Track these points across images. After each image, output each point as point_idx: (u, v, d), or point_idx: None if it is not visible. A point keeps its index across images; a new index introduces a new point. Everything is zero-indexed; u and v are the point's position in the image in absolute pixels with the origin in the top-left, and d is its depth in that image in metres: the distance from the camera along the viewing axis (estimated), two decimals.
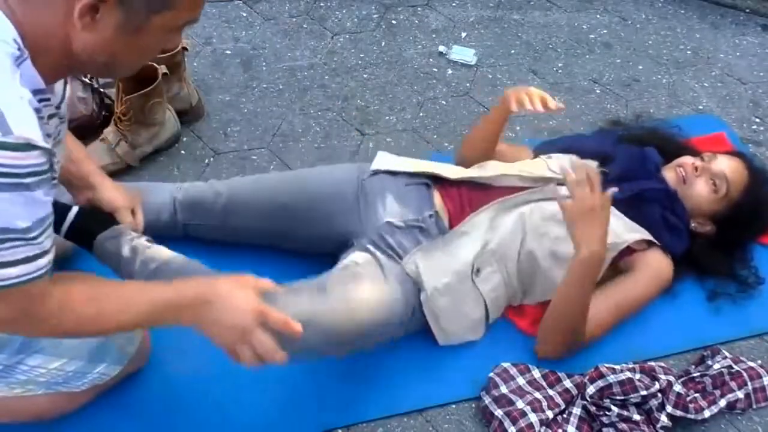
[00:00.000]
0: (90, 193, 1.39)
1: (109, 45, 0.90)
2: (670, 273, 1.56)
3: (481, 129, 1.70)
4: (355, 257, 1.45)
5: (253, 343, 1.09)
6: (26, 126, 0.83)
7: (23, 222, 0.87)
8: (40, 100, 0.91)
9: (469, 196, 1.56)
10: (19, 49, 0.86)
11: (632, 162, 1.64)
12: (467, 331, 1.51)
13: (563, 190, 1.57)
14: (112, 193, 1.41)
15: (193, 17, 0.95)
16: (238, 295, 1.09)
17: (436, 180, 1.60)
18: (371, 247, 1.46)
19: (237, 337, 1.08)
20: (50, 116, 0.97)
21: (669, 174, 1.65)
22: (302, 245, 1.60)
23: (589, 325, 1.48)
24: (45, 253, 0.92)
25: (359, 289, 1.36)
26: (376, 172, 1.62)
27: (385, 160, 1.65)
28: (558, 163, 1.64)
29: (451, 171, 1.62)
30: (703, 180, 1.63)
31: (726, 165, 1.63)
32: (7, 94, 0.83)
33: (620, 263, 1.54)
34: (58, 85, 1.00)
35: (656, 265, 1.54)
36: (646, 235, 1.55)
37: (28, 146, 0.83)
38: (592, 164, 1.65)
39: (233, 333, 1.08)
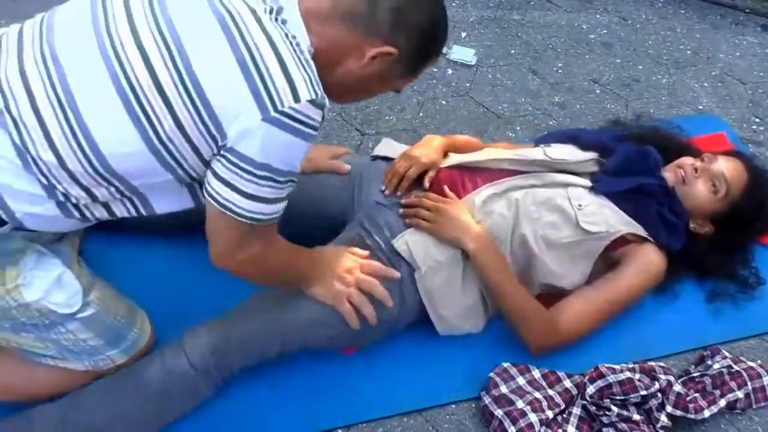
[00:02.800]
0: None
1: (362, 80, 1.14)
2: (661, 267, 1.56)
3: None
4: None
5: (358, 279, 1.36)
6: (323, 95, 1.05)
7: (298, 167, 1.09)
8: None
9: (463, 179, 1.56)
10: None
11: (632, 157, 1.64)
12: (464, 317, 1.50)
13: (560, 178, 1.57)
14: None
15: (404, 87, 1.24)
16: (343, 257, 1.40)
17: None
18: (361, 231, 1.49)
19: (344, 281, 1.35)
20: None
21: (668, 174, 1.65)
22: (295, 229, 1.61)
23: (579, 318, 1.48)
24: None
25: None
26: (374, 158, 1.67)
27: (385, 148, 1.70)
28: (556, 150, 1.65)
29: (444, 160, 1.63)
30: (703, 180, 1.63)
31: (725, 166, 1.63)
32: (314, 71, 1.05)
33: (613, 254, 1.53)
34: None
35: (648, 257, 1.54)
36: (639, 230, 1.55)
37: (323, 107, 1.04)
38: (591, 155, 1.65)
39: (342, 284, 1.35)
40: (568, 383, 1.47)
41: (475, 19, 2.53)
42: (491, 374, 1.46)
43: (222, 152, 1.04)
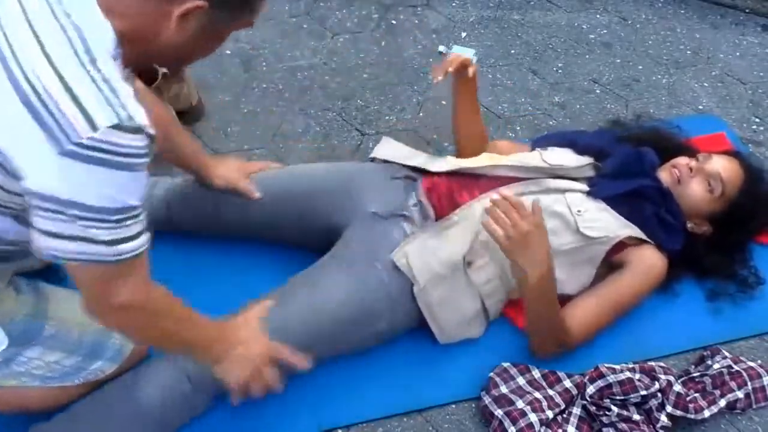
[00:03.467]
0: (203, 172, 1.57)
1: (187, 43, 1.01)
2: (662, 268, 1.56)
3: (455, 105, 1.79)
4: (338, 249, 1.49)
5: (264, 377, 1.27)
6: (140, 113, 0.92)
7: (134, 200, 0.96)
8: None
9: (459, 186, 1.56)
10: (113, 43, 0.95)
11: (627, 160, 1.65)
12: (465, 326, 1.50)
13: (557, 184, 1.57)
14: (222, 170, 1.58)
15: (251, 25, 1.09)
16: (255, 341, 1.26)
17: (426, 173, 1.61)
18: (356, 239, 1.48)
19: (251, 374, 1.25)
20: None
21: (664, 174, 1.65)
22: (289, 237, 1.63)
23: (582, 324, 1.48)
24: (146, 228, 1.02)
25: (326, 283, 1.43)
26: (372, 160, 1.68)
27: (384, 149, 1.71)
28: (553, 155, 1.65)
29: (440, 164, 1.62)
30: (698, 180, 1.63)
31: (721, 165, 1.63)
32: (124, 85, 0.92)
33: (613, 259, 1.54)
34: None
35: (648, 260, 1.54)
36: (638, 233, 1.55)
37: (140, 130, 0.91)
38: (588, 160, 1.65)
39: (249, 372, 1.25)
40: (568, 383, 1.47)
41: (475, 19, 2.53)
42: (491, 374, 1.46)
43: (29, 198, 0.93)
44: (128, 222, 0.97)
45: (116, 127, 0.88)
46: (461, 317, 1.49)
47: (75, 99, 0.88)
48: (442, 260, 1.46)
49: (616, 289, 1.52)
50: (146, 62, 1.03)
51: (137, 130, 0.91)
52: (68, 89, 0.88)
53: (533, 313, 1.46)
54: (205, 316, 1.19)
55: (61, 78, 0.89)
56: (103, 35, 0.93)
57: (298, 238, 1.62)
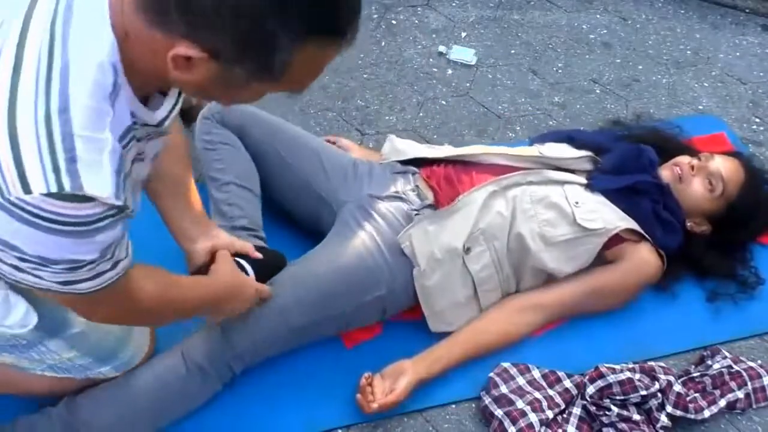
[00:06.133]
0: (209, 243, 1.36)
1: (201, 86, 0.86)
2: (654, 267, 1.56)
3: None
4: (342, 227, 1.52)
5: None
6: (96, 182, 0.82)
7: (90, 255, 0.90)
8: (131, 127, 0.89)
9: (458, 174, 1.58)
10: (115, 75, 0.84)
11: (627, 155, 1.65)
12: (456, 312, 1.51)
13: (556, 176, 1.58)
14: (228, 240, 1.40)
15: (300, 90, 0.90)
16: (245, 289, 1.35)
17: (424, 164, 1.63)
18: (354, 219, 1.52)
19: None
20: (142, 138, 0.95)
21: (665, 172, 1.66)
22: (289, 195, 1.66)
23: (554, 298, 1.53)
24: (120, 260, 0.97)
25: (341, 250, 1.47)
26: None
27: (389, 149, 1.72)
28: (551, 148, 1.67)
29: (436, 152, 1.66)
30: (699, 179, 1.63)
31: (722, 165, 1.63)
32: (89, 144, 0.82)
33: (608, 253, 1.53)
34: (168, 100, 0.97)
35: (641, 257, 1.54)
36: (635, 226, 1.55)
37: (87, 199, 0.82)
38: (585, 153, 1.66)
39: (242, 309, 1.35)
40: (568, 383, 1.47)
41: (475, 19, 2.53)
42: (491, 374, 1.46)
43: None
44: (81, 270, 0.91)
45: (52, 195, 0.80)
46: (453, 302, 1.50)
47: (17, 156, 0.80)
48: (442, 246, 1.47)
49: (599, 276, 1.53)
50: (174, 87, 0.96)
51: (84, 199, 0.82)
52: (14, 144, 0.80)
53: (483, 349, 1.51)
54: (199, 280, 1.28)
55: (12, 128, 0.80)
56: (99, 67, 0.82)
57: (292, 197, 1.65)
